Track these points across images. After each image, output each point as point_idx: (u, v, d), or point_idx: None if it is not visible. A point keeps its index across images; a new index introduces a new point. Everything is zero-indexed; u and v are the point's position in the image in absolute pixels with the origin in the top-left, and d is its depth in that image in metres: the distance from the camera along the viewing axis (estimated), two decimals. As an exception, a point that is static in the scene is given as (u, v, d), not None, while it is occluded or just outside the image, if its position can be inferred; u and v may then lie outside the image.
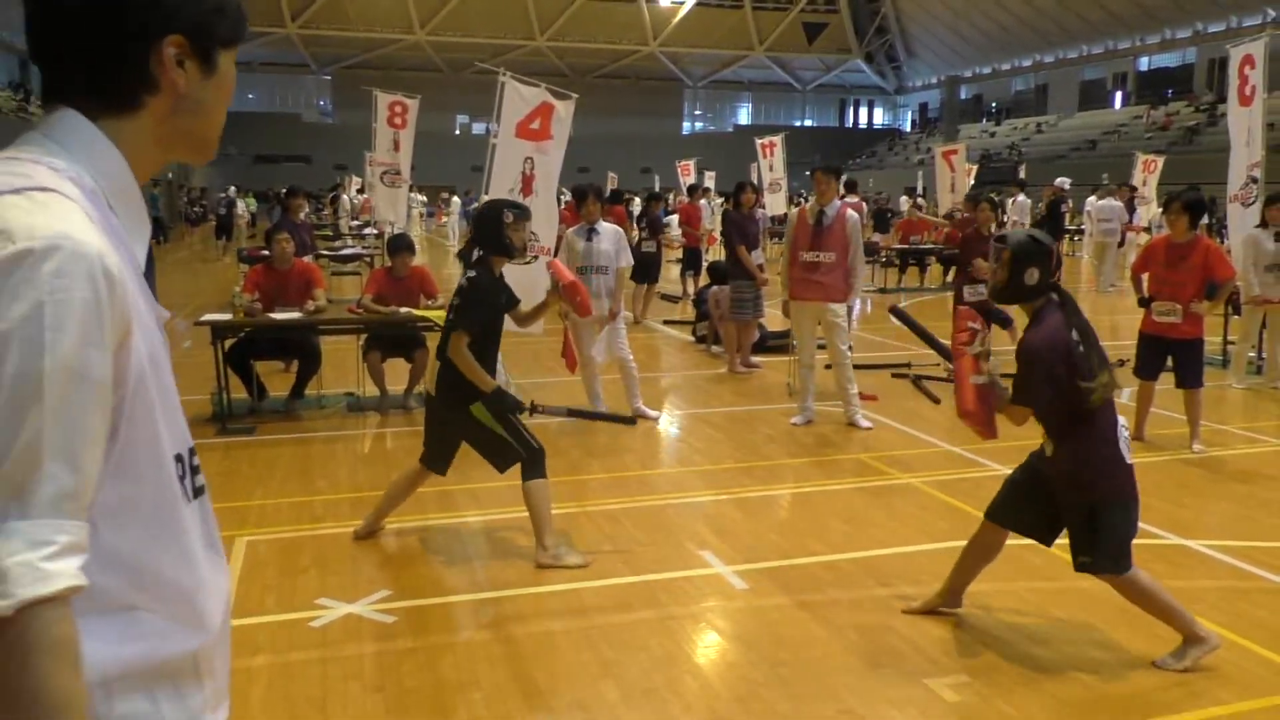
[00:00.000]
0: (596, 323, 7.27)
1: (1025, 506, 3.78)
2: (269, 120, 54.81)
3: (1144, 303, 6.81)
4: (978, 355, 3.64)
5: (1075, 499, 3.56)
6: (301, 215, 9.79)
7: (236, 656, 3.67)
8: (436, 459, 4.83)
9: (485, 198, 8.12)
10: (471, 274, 4.71)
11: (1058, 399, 3.47)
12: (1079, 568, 3.61)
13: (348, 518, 5.23)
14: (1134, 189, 18.50)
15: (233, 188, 29.42)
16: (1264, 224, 8.29)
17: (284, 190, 10.74)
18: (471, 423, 4.59)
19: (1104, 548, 3.51)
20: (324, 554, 4.74)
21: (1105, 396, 3.51)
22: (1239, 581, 4.43)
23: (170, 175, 39.32)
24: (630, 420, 5.75)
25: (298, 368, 7.75)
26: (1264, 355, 8.74)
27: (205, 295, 14.72)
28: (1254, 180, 8.67)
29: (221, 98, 1.27)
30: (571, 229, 7.71)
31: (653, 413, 7.52)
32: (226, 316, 7.19)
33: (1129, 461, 3.56)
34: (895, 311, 3.58)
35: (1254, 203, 8.61)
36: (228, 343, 7.26)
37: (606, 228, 7.48)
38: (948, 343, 3.74)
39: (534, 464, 4.59)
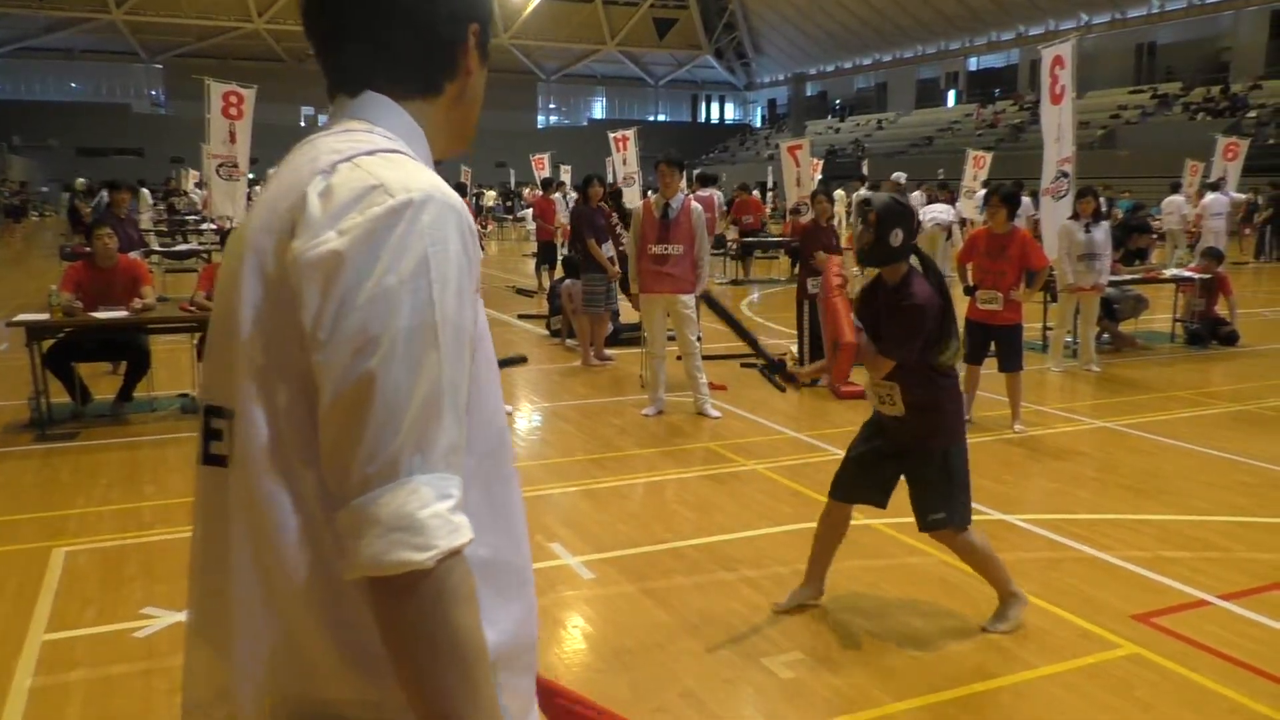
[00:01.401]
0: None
1: (862, 476, 3.93)
2: (95, 111, 51.71)
3: (969, 291, 7.18)
4: (851, 300, 3.79)
5: (930, 447, 3.72)
6: (126, 210, 9.25)
7: (47, 673, 3.48)
8: None
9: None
10: None
11: (923, 353, 3.63)
12: (930, 526, 3.75)
13: (180, 524, 5.00)
14: (944, 187, 19.54)
15: (80, 181, 27.60)
16: (1076, 216, 8.86)
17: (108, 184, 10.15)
18: None
19: (957, 496, 3.71)
20: (151, 562, 4.52)
21: (958, 353, 3.78)
22: (1052, 553, 4.73)
23: (-16, 167, 36.67)
24: (522, 359, 5.53)
25: (125, 369, 7.35)
26: (1078, 340, 9.35)
27: (27, 295, 13.76)
28: (1064, 175, 9.24)
29: (482, 89, 1.29)
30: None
31: (506, 407, 7.46)
32: (44, 316, 6.76)
33: (966, 414, 3.81)
34: (706, 299, 3.56)
35: (1065, 196, 9.18)
36: (45, 344, 6.82)
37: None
38: (756, 334, 3.74)
39: None
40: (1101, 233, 8.80)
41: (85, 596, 4.15)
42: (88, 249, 7.53)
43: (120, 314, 6.96)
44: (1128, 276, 10.21)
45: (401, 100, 1.18)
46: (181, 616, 3.89)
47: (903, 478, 3.86)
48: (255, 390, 1.03)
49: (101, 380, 7.88)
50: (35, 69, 52.74)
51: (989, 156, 20.75)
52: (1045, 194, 9.49)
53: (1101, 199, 9.69)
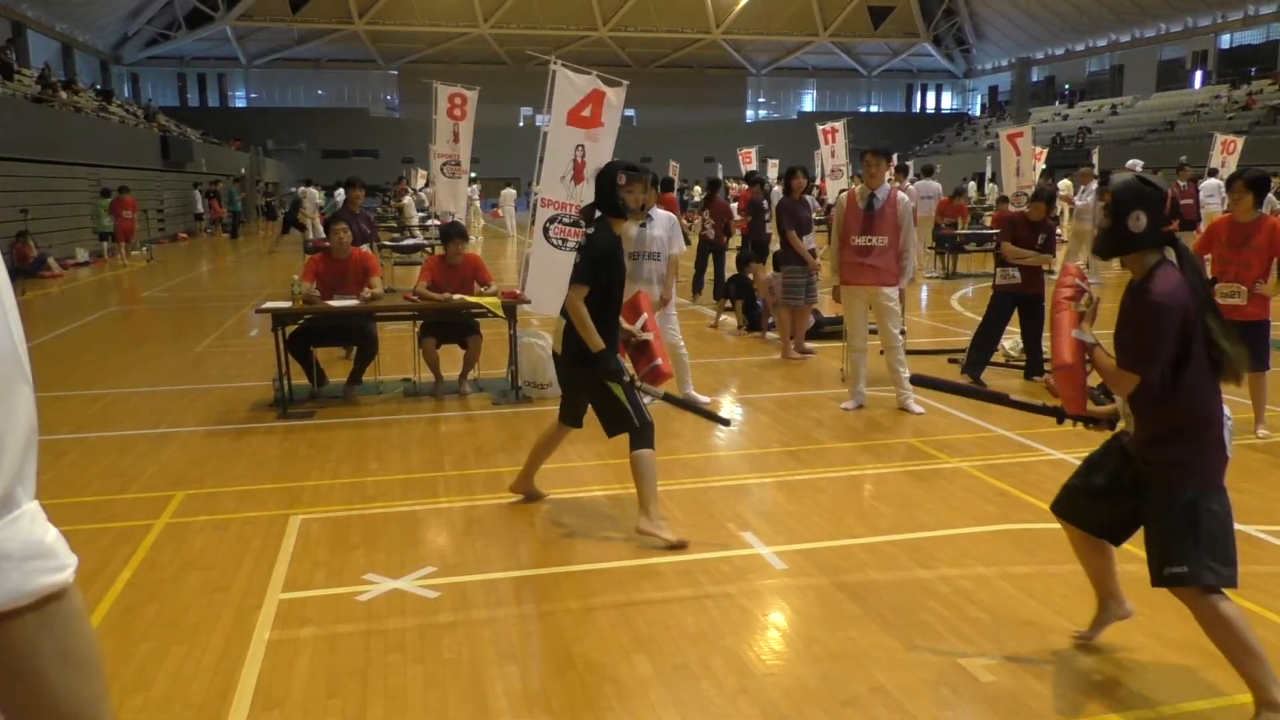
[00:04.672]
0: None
1: (1093, 511, 3.38)
2: (337, 115, 55.93)
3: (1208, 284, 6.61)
4: (1081, 313, 3.35)
5: (1173, 488, 3.06)
6: (359, 206, 9.97)
7: (282, 628, 3.81)
8: (569, 416, 5.07)
9: (536, 187, 8.23)
10: (590, 230, 4.88)
11: (1176, 369, 3.01)
12: (1167, 581, 3.05)
13: (398, 498, 5.36)
14: (1184, 171, 18.10)
15: (300, 187, 30.10)
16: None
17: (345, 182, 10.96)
18: (599, 384, 4.75)
19: (1206, 548, 2.99)
20: (374, 532, 4.87)
21: (1232, 367, 3.04)
22: (1297, 567, 4.31)
23: (244, 170, 40.39)
24: (725, 421, 5.54)
25: (355, 354, 7.93)
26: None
27: (275, 285, 15.11)
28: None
29: None
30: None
31: (703, 399, 7.54)
32: (286, 304, 7.39)
33: (1228, 454, 3.10)
34: (918, 380, 3.37)
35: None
36: (288, 330, 7.46)
37: (660, 214, 7.49)
38: (981, 387, 3.43)
39: (643, 435, 4.72)
40: (1370, 220, 7.88)
41: (316, 560, 4.52)
42: (326, 243, 8.17)
43: (352, 303, 7.52)
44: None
45: None
46: (399, 584, 4.18)
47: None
48: None
49: (335, 365, 8.54)
50: (287, 78, 57.71)
51: (1240, 141, 19.03)
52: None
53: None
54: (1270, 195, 11.66)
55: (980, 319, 8.32)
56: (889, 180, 7.34)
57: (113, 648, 3.67)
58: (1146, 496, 3.15)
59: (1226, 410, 3.13)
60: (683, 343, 7.48)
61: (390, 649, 3.66)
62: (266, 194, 36.69)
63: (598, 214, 4.89)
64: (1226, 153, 18.85)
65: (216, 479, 5.77)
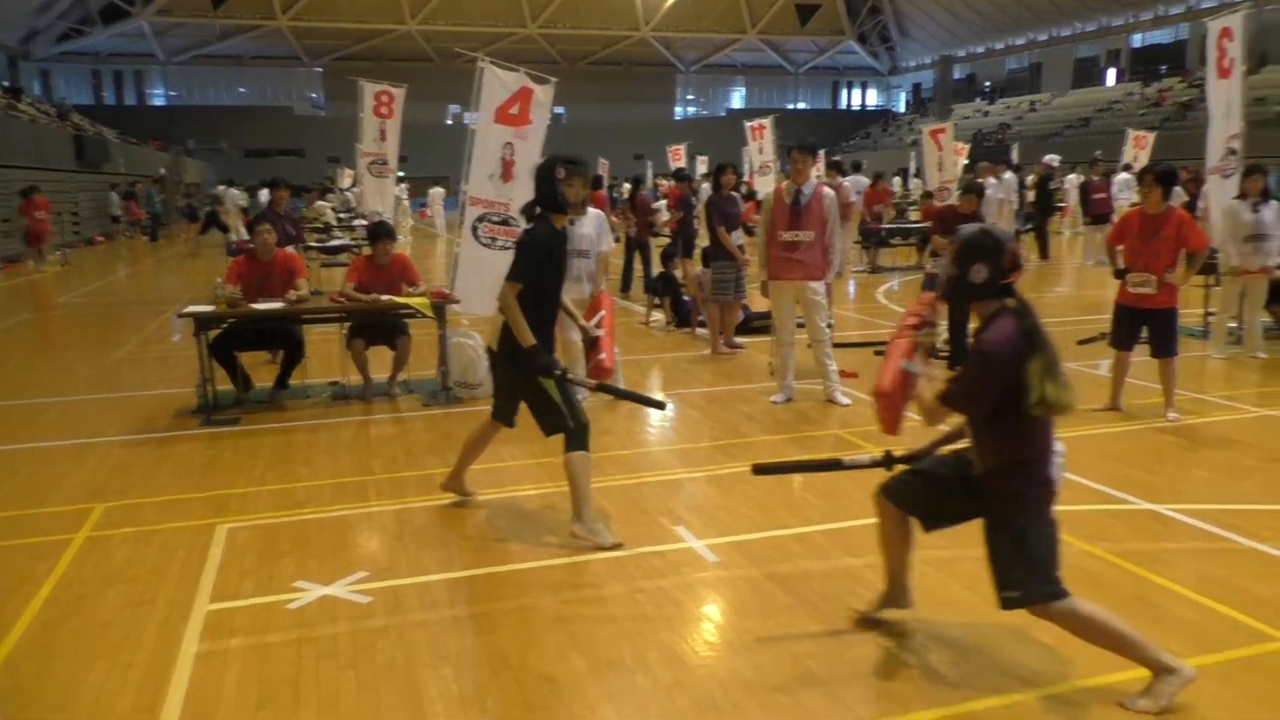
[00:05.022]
0: (576, 305, 7.33)
1: (931, 500, 3.55)
2: (261, 114, 54.74)
3: (1120, 274, 6.85)
4: (919, 343, 3.45)
5: (1006, 516, 3.22)
6: (285, 207, 9.79)
7: (210, 639, 3.74)
8: (502, 414, 5.00)
9: (465, 186, 8.18)
10: (529, 227, 4.82)
11: (1000, 407, 3.15)
12: (1004, 604, 3.23)
13: (328, 503, 5.30)
14: (1097, 165, 18.80)
15: (221, 187, 29.45)
16: (1242, 195, 8.32)
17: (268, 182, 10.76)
18: (534, 383, 4.69)
19: (1037, 571, 3.18)
20: (304, 539, 4.80)
21: (1054, 411, 3.13)
22: (1205, 544, 4.48)
23: (163, 171, 39.33)
24: (660, 405, 5.47)
25: (281, 358, 7.80)
26: (1243, 325, 8.77)
27: (197, 289, 14.76)
28: (1233, 152, 8.69)
29: None
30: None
31: (663, 398, 7.56)
32: (209, 308, 7.24)
33: (1056, 489, 3.25)
34: (758, 469, 3.60)
35: (1233, 175, 8.63)
36: (212, 334, 7.31)
37: (589, 212, 7.49)
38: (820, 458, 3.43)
39: (577, 437, 4.66)
40: (1271, 212, 8.24)
41: (244, 569, 4.45)
42: (249, 244, 8.02)
43: (277, 305, 7.39)
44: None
45: None
46: (330, 590, 4.14)
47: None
48: None
49: (260, 369, 8.38)
50: (208, 75, 56.31)
51: (1151, 136, 19.66)
52: (1212, 173, 8.95)
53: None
54: (1181, 189, 12.06)
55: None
56: (816, 176, 7.44)
57: (32, 667, 3.58)
58: (983, 510, 3.32)
59: (1059, 445, 3.28)
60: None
61: (323, 656, 3.62)
62: (187, 195, 35.74)
63: (538, 210, 4.85)
64: (1138, 148, 19.45)
65: (139, 489, 5.64)
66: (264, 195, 14.12)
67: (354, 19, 52.77)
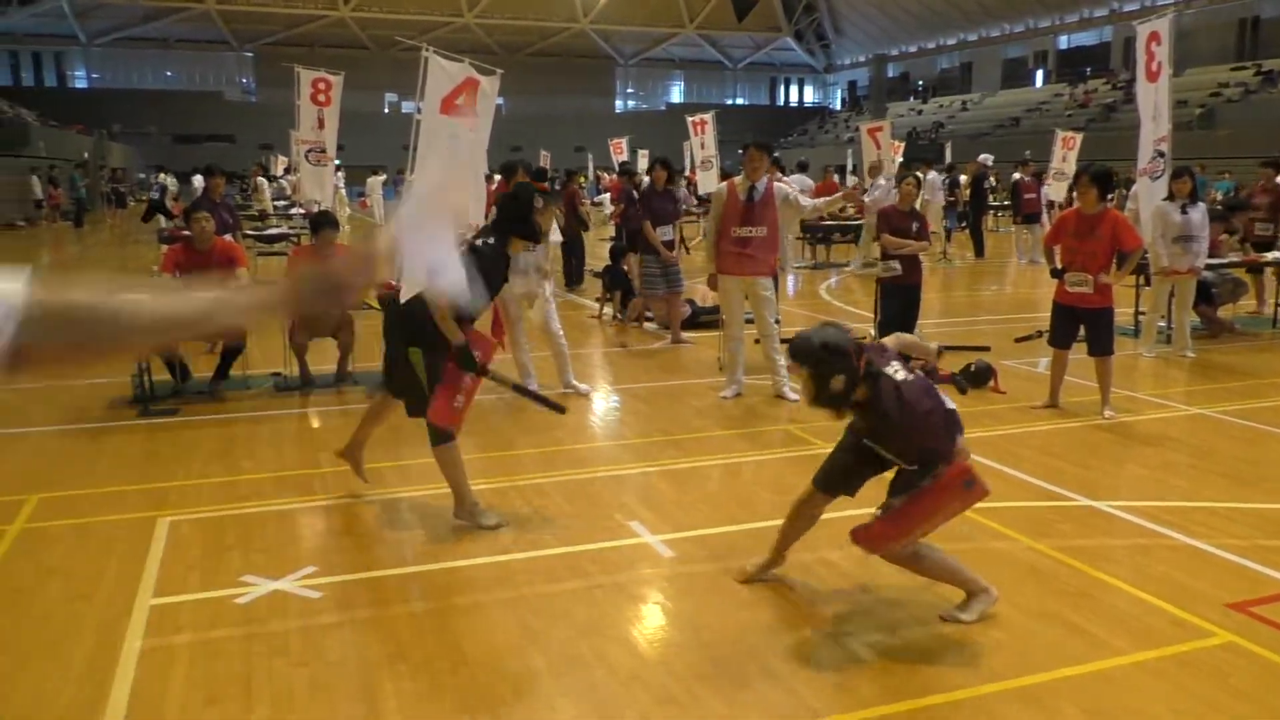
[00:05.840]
0: (524, 298, 7.30)
1: (855, 468, 3.97)
2: (189, 99, 53.40)
3: (1057, 274, 7.01)
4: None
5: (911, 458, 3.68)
6: (221, 194, 9.56)
7: (155, 635, 3.64)
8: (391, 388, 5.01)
9: (410, 176, 8.06)
10: (489, 241, 4.79)
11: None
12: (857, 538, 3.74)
13: (273, 497, 5.19)
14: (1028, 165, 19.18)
15: (164, 175, 28.64)
16: (1171, 197, 8.58)
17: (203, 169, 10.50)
18: (404, 361, 4.69)
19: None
20: (249, 532, 4.70)
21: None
22: (1143, 539, 4.62)
23: (86, 155, 38.11)
24: (561, 409, 5.45)
25: (221, 348, 7.61)
26: (1172, 324, 9.06)
27: (130, 277, 14.32)
28: (1161, 154, 8.93)
29: None
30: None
31: (583, 387, 7.56)
32: (145, 297, 7.02)
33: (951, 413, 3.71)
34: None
35: (1161, 176, 8.88)
36: (147, 324, 7.09)
37: (534, 204, 7.46)
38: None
39: (442, 433, 4.69)
40: (1199, 214, 8.51)
41: (188, 563, 4.34)
42: (186, 232, 7.80)
43: (216, 294, 7.19)
44: (1225, 260, 9.85)
45: None
46: (280, 585, 4.06)
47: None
48: None
49: (200, 360, 8.17)
50: (133, 58, 54.68)
51: (1079, 137, 20.14)
52: (1141, 174, 9.20)
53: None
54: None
55: (874, 313, 8.58)
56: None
57: (-33, 666, 3.45)
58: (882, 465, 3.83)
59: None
60: (562, 333, 7.48)
61: (274, 653, 3.55)
62: (114, 180, 34.66)
63: (500, 228, 4.83)
64: (1067, 148, 19.90)
65: (75, 481, 5.46)
66: (198, 181, 13.77)
67: (284, 4, 51.72)
